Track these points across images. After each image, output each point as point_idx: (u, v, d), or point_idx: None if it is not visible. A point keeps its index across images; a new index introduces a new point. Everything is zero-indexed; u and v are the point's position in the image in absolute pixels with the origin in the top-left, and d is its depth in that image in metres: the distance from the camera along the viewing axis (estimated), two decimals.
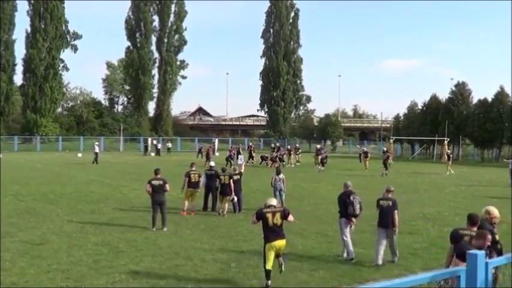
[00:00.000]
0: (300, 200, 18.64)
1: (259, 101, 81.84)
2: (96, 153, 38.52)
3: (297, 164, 38.61)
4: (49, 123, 64.64)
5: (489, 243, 5.74)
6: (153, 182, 12.93)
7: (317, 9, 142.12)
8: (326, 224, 13.47)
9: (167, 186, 13.08)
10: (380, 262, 9.57)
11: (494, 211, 7.01)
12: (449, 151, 41.24)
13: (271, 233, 8.13)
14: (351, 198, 10.06)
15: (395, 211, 9.78)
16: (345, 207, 10.08)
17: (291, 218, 8.43)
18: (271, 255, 8.06)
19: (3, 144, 54.24)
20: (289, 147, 43.12)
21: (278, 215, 8.17)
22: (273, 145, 45.51)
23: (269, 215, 8.16)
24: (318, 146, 42.85)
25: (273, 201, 8.72)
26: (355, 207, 9.98)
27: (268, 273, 8.05)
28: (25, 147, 59.62)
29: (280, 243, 8.14)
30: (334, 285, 8.29)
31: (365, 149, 41.42)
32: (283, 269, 8.39)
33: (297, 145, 43.54)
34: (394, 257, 9.91)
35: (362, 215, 15.47)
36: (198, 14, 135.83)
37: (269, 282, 8.01)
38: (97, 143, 43.56)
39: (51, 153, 53.97)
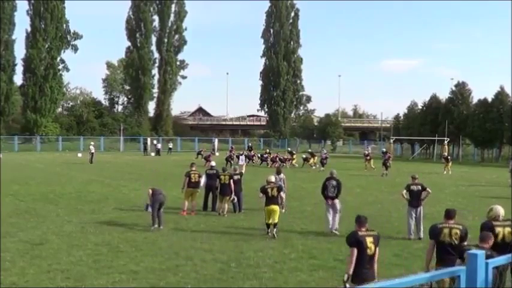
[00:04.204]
0: (300, 200, 18.63)
1: (259, 101, 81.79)
2: (92, 154, 38.84)
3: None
4: (49, 123, 64.45)
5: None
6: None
7: (317, 9, 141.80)
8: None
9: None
10: (412, 236, 11.94)
11: None
12: (445, 153, 41.20)
13: (269, 200, 12.03)
14: (327, 183, 12.79)
15: (424, 191, 12.39)
16: (323, 191, 12.87)
17: (282, 194, 12.57)
18: (268, 214, 11.91)
19: (3, 144, 54.09)
20: (289, 149, 43.91)
21: (275, 189, 12.20)
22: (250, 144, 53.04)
23: (269, 190, 12.10)
24: (310, 151, 43.06)
25: (272, 178, 12.75)
26: (329, 190, 12.71)
27: (268, 225, 11.96)
28: (25, 147, 59.52)
29: (274, 207, 11.97)
30: (334, 285, 8.28)
31: (366, 151, 41.54)
32: (275, 237, 11.64)
33: (293, 151, 43.37)
34: (419, 233, 11.97)
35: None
36: (198, 14, 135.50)
37: (269, 230, 11.90)
38: (92, 143, 43.81)
39: (51, 153, 53.93)
